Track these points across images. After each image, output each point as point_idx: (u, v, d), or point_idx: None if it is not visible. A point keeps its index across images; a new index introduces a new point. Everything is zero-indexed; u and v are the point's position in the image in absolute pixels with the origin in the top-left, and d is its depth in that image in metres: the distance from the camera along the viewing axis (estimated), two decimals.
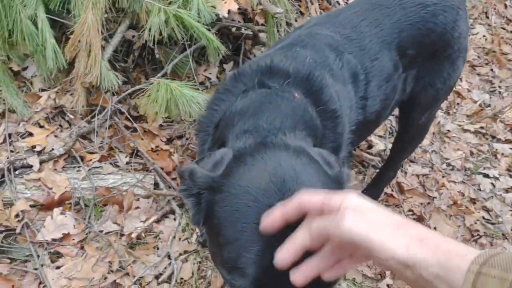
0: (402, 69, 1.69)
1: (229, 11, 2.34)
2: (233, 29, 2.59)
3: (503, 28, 4.27)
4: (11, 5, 2.06)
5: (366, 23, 1.59)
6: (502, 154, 3.09)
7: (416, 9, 1.65)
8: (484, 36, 4.07)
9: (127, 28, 2.28)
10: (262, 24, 2.81)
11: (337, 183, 0.99)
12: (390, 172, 2.36)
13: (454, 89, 3.41)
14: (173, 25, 2.12)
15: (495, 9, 4.47)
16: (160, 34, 2.14)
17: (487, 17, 4.33)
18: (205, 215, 0.98)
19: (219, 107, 1.35)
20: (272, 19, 2.44)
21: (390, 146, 2.59)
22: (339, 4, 3.63)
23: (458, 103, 3.40)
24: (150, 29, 2.11)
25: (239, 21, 2.72)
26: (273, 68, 1.33)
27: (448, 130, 3.15)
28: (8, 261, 1.90)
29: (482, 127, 3.22)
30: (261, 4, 2.35)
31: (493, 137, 3.20)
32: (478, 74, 3.69)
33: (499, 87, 3.63)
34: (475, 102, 3.42)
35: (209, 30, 2.24)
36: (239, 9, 2.55)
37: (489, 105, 3.45)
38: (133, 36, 2.34)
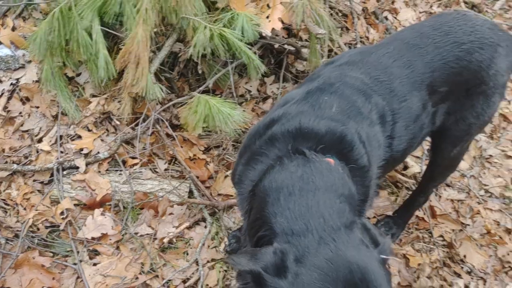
0: (432, 105, 1.70)
1: (273, 29, 2.42)
2: (276, 45, 2.65)
3: None
4: (69, 17, 2.22)
5: (398, 64, 1.61)
6: None
7: (451, 48, 1.65)
8: None
9: (174, 42, 2.40)
10: (305, 40, 2.86)
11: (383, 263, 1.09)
12: (421, 197, 2.36)
13: (500, 112, 3.34)
14: (216, 43, 2.22)
15: None
16: (205, 49, 2.25)
17: None
18: None
19: (256, 166, 1.42)
20: (314, 39, 2.49)
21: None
22: (387, 19, 3.61)
23: (504, 127, 3.31)
24: (195, 45, 2.22)
25: (283, 36, 2.78)
26: (304, 131, 1.38)
27: (490, 155, 3.08)
28: (51, 254, 2.07)
29: None
30: (304, 23, 2.40)
31: None
32: None
33: None
34: None
35: (251, 48, 2.33)
36: (283, 23, 2.62)
37: None
38: (180, 49, 2.45)
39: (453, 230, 2.59)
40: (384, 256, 1.10)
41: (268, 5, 2.41)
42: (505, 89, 1.93)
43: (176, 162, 2.44)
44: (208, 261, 2.19)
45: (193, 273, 2.14)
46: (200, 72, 2.51)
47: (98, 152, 2.33)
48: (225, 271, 2.18)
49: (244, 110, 2.38)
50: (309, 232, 1.12)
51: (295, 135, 1.36)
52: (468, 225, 2.64)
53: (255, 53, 2.36)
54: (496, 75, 1.77)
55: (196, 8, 2.22)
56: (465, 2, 4.19)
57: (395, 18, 3.73)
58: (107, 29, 2.30)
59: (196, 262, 2.16)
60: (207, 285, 2.12)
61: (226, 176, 2.49)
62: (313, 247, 1.09)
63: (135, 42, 2.14)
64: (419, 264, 2.38)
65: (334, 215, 1.16)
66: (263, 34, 2.37)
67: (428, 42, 1.67)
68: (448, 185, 2.83)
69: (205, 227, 2.29)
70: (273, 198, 1.24)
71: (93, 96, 2.47)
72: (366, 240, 1.14)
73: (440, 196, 2.76)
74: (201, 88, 2.36)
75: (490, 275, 2.47)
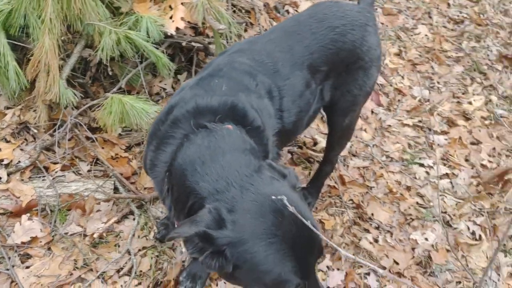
0: (317, 84, 1.96)
1: (177, 29, 2.59)
2: (184, 43, 2.83)
3: (445, 27, 4.60)
4: None
5: (279, 49, 1.86)
6: (438, 145, 3.40)
7: (326, 32, 1.92)
8: (426, 35, 4.39)
9: (83, 48, 2.51)
10: (212, 37, 3.07)
11: (300, 194, 1.42)
12: (326, 167, 2.64)
13: (395, 87, 3.74)
14: (124, 45, 2.37)
15: (437, 8, 4.80)
16: (113, 52, 2.38)
17: (430, 17, 4.66)
18: (233, 265, 1.29)
19: (166, 148, 1.61)
20: (217, 34, 2.69)
21: None
22: (288, 13, 3.91)
23: (399, 100, 3.71)
24: (103, 49, 2.35)
25: (190, 35, 2.97)
26: (201, 108, 1.60)
27: (389, 125, 3.46)
28: None
29: (420, 121, 3.54)
30: (205, 20, 2.60)
31: (430, 129, 3.51)
32: (419, 72, 4.01)
33: (438, 82, 3.96)
34: (415, 98, 3.74)
35: (158, 47, 2.49)
36: (189, 22, 2.80)
37: (428, 100, 3.76)
38: (89, 55, 2.56)
39: (360, 193, 2.91)
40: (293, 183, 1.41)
41: (170, 7, 2.58)
42: (380, 61, 2.24)
43: (98, 162, 2.54)
44: (139, 250, 2.33)
45: (126, 263, 2.27)
46: (111, 74, 2.63)
47: (19, 161, 2.39)
48: (157, 256, 2.32)
49: (160, 106, 2.53)
50: (231, 186, 1.36)
51: (194, 114, 1.56)
52: (373, 187, 2.98)
53: (163, 52, 2.53)
54: (369, 50, 2.07)
55: (100, 14, 2.35)
56: None
57: (296, 10, 4.04)
58: (14, 42, 2.36)
59: (128, 252, 2.29)
60: (141, 271, 2.26)
61: None
62: (238, 196, 1.34)
63: (43, 51, 2.23)
64: (332, 226, 2.66)
65: (244, 166, 1.41)
66: (169, 34, 2.54)
67: (305, 29, 1.93)
68: (354, 155, 3.16)
69: (134, 219, 2.42)
70: (191, 170, 1.45)
71: (8, 108, 2.52)
72: (276, 176, 1.40)
73: (347, 166, 3.08)
74: (114, 89, 2.49)
75: (395, 228, 2.81)
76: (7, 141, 2.45)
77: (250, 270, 1.30)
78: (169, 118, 1.61)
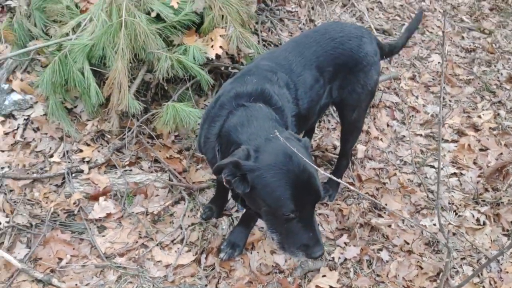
0: (325, 81, 2.55)
1: (217, 55, 3.28)
2: (222, 68, 3.52)
3: (457, 55, 5.11)
4: (65, 62, 3.02)
5: (293, 54, 2.49)
6: (448, 151, 3.84)
7: (328, 42, 2.54)
8: (439, 62, 4.91)
9: (145, 72, 3.23)
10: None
11: (307, 149, 2.00)
12: (343, 161, 3.17)
13: (410, 105, 4.24)
14: (176, 67, 3.06)
15: (450, 40, 5.33)
16: (168, 74, 3.08)
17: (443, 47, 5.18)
18: (251, 186, 1.86)
19: (215, 124, 2.23)
20: (247, 57, 3.37)
21: None
22: None
23: (412, 115, 4.20)
24: (160, 70, 3.05)
25: (229, 63, 3.65)
26: (240, 94, 2.24)
27: (403, 136, 3.94)
28: (70, 232, 2.75)
29: (431, 132, 4.00)
30: (238, 48, 3.28)
31: (441, 138, 3.96)
32: (432, 93, 4.50)
33: (450, 101, 4.43)
34: (428, 113, 4.22)
35: (202, 69, 3.17)
36: (227, 53, 3.50)
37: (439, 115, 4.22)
38: (150, 78, 3.28)
39: (375, 187, 3.38)
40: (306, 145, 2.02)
41: (211, 39, 3.29)
42: (379, 66, 2.79)
43: (157, 161, 3.18)
44: (189, 225, 2.89)
45: (178, 235, 2.84)
46: (166, 95, 3.33)
47: (97, 159, 3.06)
48: (203, 231, 2.88)
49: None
50: (260, 137, 1.97)
51: (235, 97, 2.21)
52: (387, 183, 3.44)
53: (205, 72, 3.20)
54: (366, 56, 2.64)
55: (158, 45, 3.07)
56: (376, 29, 5.22)
57: None
58: (94, 68, 3.11)
59: (180, 227, 2.87)
60: (190, 241, 2.81)
61: (197, 169, 3.24)
62: (263, 143, 1.94)
63: (116, 72, 2.95)
64: (349, 212, 3.13)
65: (270, 127, 2.02)
66: (210, 58, 3.23)
67: (312, 40, 2.55)
68: (370, 159, 3.65)
69: (184, 204, 3.01)
70: (234, 130, 2.08)
71: (88, 120, 3.24)
72: (293, 138, 2.00)
73: (364, 167, 3.57)
74: (169, 102, 3.16)
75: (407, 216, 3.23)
76: (88, 145, 3.14)
77: (260, 190, 1.86)
78: (217, 104, 2.25)
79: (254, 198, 1.94)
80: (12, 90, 3.23)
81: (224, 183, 1.91)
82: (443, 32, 1.57)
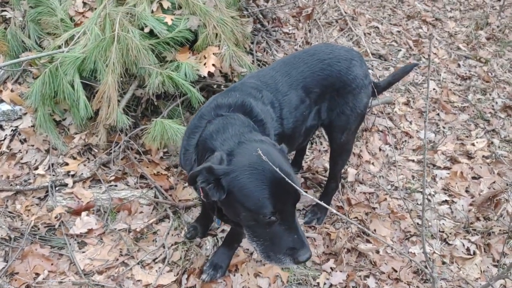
0: (311, 102, 2.52)
1: (210, 73, 3.27)
2: (215, 86, 3.50)
3: (452, 82, 5.11)
4: (56, 74, 3.01)
5: (279, 74, 2.47)
6: (440, 178, 3.80)
7: (316, 63, 2.52)
8: (434, 89, 4.90)
9: (136, 87, 3.21)
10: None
11: (283, 153, 1.94)
12: (332, 184, 3.12)
13: (403, 130, 4.22)
14: (167, 84, 3.04)
15: (446, 67, 5.35)
16: (159, 90, 3.06)
17: (439, 74, 5.20)
18: (227, 191, 1.81)
19: (194, 135, 2.21)
20: (240, 76, 3.35)
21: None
22: None
23: (405, 140, 4.17)
24: (151, 86, 3.03)
25: (221, 81, 3.64)
26: (220, 104, 2.23)
27: (395, 161, 3.90)
28: (49, 247, 2.68)
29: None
30: (231, 66, 3.27)
31: (433, 165, 3.93)
32: (424, 118, 4.47)
33: (443, 127, 4.41)
34: (421, 139, 4.19)
35: (194, 86, 3.15)
36: (220, 72, 3.49)
37: (433, 142, 4.20)
38: (141, 94, 3.25)
39: (364, 211, 3.32)
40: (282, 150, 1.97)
41: (204, 56, 3.28)
42: (369, 89, 2.76)
43: (143, 177, 3.14)
44: (172, 244, 2.83)
45: (160, 254, 2.77)
46: (156, 110, 3.31)
47: (82, 173, 3.02)
48: (186, 250, 2.81)
49: None
50: (233, 141, 1.94)
51: (215, 108, 2.20)
52: (376, 208, 3.39)
53: (197, 90, 3.18)
54: (355, 78, 2.62)
55: (150, 60, 3.06)
56: (373, 54, 5.24)
57: None
58: (85, 81, 3.09)
59: (163, 245, 2.80)
60: (173, 261, 2.75)
61: (184, 187, 3.19)
62: (236, 146, 1.91)
63: (106, 86, 2.93)
64: (337, 236, 3.07)
65: (246, 133, 1.99)
66: (203, 76, 3.21)
67: (299, 61, 2.54)
68: (361, 183, 3.60)
69: (169, 222, 2.95)
70: (210, 137, 2.05)
71: (76, 133, 3.21)
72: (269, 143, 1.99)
73: (354, 191, 3.52)
74: (158, 118, 3.13)
75: (395, 243, 3.17)
76: (74, 158, 3.10)
77: (237, 193, 1.80)
78: (197, 116, 2.22)
79: (231, 204, 1.87)
80: (2, 101, 3.21)
81: (201, 196, 1.86)
82: (429, 55, 1.55)
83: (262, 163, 1.77)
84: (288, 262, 1.91)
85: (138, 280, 2.60)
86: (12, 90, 3.27)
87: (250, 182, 1.77)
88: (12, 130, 3.13)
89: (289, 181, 1.67)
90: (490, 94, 4.97)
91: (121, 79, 3.09)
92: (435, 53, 5.52)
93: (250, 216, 1.85)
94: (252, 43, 4.13)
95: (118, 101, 3.05)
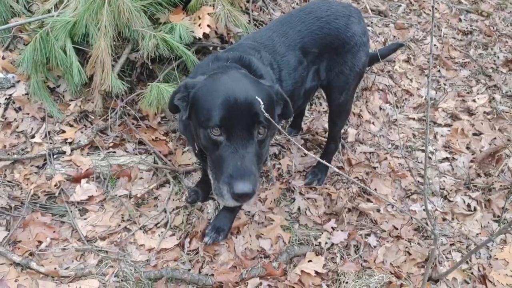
0: (309, 62, 2.45)
1: (205, 34, 3.18)
2: (211, 48, 3.42)
3: (453, 38, 5.00)
4: (47, 40, 2.93)
5: (277, 35, 2.39)
6: (441, 135, 3.77)
7: (313, 21, 2.43)
8: (435, 45, 4.80)
9: (130, 51, 3.13)
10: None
11: (257, 82, 1.91)
12: (332, 144, 3.09)
13: (403, 88, 4.16)
14: (161, 47, 2.96)
15: (447, 22, 5.22)
16: (154, 53, 2.98)
17: (440, 30, 5.08)
18: (190, 104, 1.87)
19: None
20: (237, 37, 3.26)
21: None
22: None
23: (406, 99, 4.12)
24: (145, 49, 2.94)
25: (217, 43, 3.55)
26: (217, 57, 2.19)
27: (395, 119, 3.86)
28: (51, 215, 2.68)
29: (425, 116, 3.91)
30: (227, 27, 3.17)
31: (434, 122, 3.89)
32: (427, 76, 4.41)
33: (444, 84, 4.34)
34: (422, 97, 4.13)
35: (189, 49, 3.07)
36: (216, 33, 3.40)
37: (434, 99, 4.15)
38: (135, 58, 3.17)
39: (365, 171, 3.31)
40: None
41: (199, 17, 3.18)
42: (368, 47, 2.69)
43: (142, 143, 3.11)
44: (173, 209, 2.83)
45: (162, 219, 2.78)
46: (152, 74, 3.23)
47: (80, 141, 2.98)
48: (188, 214, 2.82)
49: None
50: (220, 69, 1.99)
51: (212, 60, 2.17)
52: (377, 167, 3.37)
53: (192, 52, 3.10)
54: (354, 36, 2.54)
55: (143, 22, 2.96)
56: (372, 10, 5.11)
57: None
58: (77, 47, 3.01)
59: (165, 210, 2.80)
60: (175, 225, 2.75)
61: (183, 152, 3.17)
62: (215, 70, 2.00)
63: (99, 50, 2.85)
64: (338, 197, 3.07)
65: (235, 71, 1.98)
66: (197, 37, 3.13)
67: (297, 19, 2.45)
68: (361, 142, 3.58)
69: (169, 187, 2.94)
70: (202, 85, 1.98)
71: (71, 100, 3.15)
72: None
73: (354, 151, 3.50)
74: (154, 82, 3.07)
75: (397, 201, 3.18)
76: (71, 125, 3.06)
77: (196, 105, 1.85)
78: (193, 71, 2.19)
79: (193, 118, 1.90)
80: None
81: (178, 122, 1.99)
82: (432, 11, 1.48)
83: (226, 82, 1.82)
84: (226, 193, 1.72)
85: (141, 245, 2.61)
86: (3, 58, 3.19)
87: (205, 94, 1.83)
88: (6, 98, 3.07)
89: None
90: (491, 49, 4.88)
91: (114, 43, 3.00)
92: (436, 8, 5.37)
93: (202, 133, 1.81)
94: (248, 1, 4.00)
95: (112, 66, 2.98)
